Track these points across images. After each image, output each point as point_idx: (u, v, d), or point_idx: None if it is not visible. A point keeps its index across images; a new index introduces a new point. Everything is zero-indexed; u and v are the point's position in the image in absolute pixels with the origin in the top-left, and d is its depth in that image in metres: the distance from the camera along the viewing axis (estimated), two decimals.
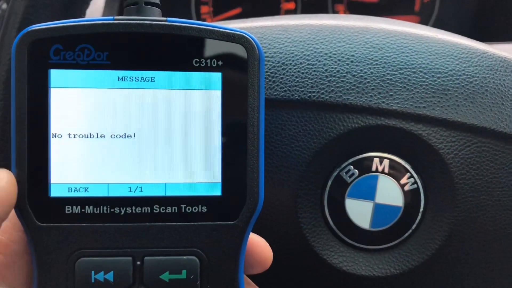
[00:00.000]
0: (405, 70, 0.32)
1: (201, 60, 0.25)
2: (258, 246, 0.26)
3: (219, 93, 0.25)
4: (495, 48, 0.34)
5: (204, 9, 0.75)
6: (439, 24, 0.75)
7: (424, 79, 0.32)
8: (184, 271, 0.24)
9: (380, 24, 0.34)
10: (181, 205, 0.24)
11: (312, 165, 0.31)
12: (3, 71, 0.34)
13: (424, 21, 0.75)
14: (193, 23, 0.25)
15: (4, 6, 0.60)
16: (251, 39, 0.25)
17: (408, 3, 0.76)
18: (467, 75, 0.32)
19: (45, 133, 0.24)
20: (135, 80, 0.24)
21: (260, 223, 0.28)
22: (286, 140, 0.31)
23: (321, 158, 0.31)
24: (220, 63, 0.25)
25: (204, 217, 0.25)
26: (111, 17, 0.25)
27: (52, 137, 0.24)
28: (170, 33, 0.24)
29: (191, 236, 0.24)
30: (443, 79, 0.32)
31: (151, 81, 0.24)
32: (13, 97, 0.24)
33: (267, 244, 0.27)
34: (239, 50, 0.25)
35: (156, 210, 0.24)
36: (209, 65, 0.25)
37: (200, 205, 0.25)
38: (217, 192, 0.25)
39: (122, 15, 0.25)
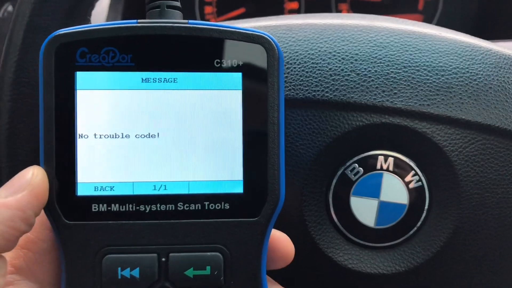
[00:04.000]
0: (409, 68, 0.32)
1: (222, 60, 0.25)
2: (281, 242, 0.27)
3: (239, 93, 0.25)
4: (498, 45, 0.34)
5: (208, 9, 0.76)
6: (443, 23, 0.75)
7: (428, 77, 0.32)
8: (208, 267, 0.25)
9: (384, 22, 0.34)
10: (204, 203, 0.25)
11: (317, 163, 0.32)
12: (10, 73, 0.34)
13: (428, 20, 0.75)
14: (213, 24, 0.26)
15: (10, 8, 0.60)
16: (270, 40, 0.25)
17: (412, 2, 0.76)
18: (471, 72, 0.32)
19: (72, 133, 0.25)
20: (158, 81, 0.25)
21: None
22: (291, 138, 0.32)
23: (326, 156, 0.32)
24: (240, 63, 0.25)
25: (227, 214, 0.25)
26: (135, 20, 0.25)
27: (79, 137, 0.25)
28: (191, 35, 0.25)
29: (214, 233, 0.25)
30: (447, 77, 0.32)
31: (174, 82, 0.25)
32: (41, 99, 0.25)
33: (289, 239, 0.27)
34: (258, 50, 0.25)
35: (180, 207, 0.25)
36: (229, 65, 0.25)
37: (222, 202, 0.25)
38: (239, 189, 0.25)
39: (126, 17, 0.26)
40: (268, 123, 0.25)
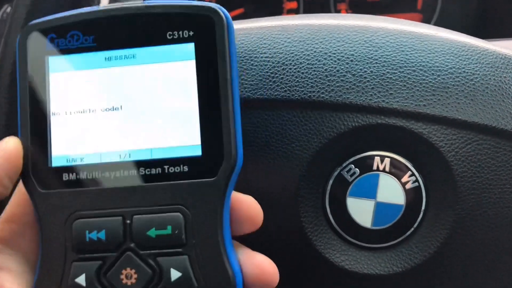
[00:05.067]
0: (405, 68, 0.32)
1: (174, 33, 0.27)
2: (245, 203, 0.27)
3: (193, 63, 0.27)
4: (495, 45, 0.34)
5: None
6: (442, 22, 0.75)
7: (424, 77, 0.32)
8: (169, 227, 0.26)
9: (380, 23, 0.34)
10: (165, 166, 0.27)
11: (313, 164, 0.31)
12: (7, 75, 0.34)
13: (427, 19, 0.75)
14: (166, 2, 0.27)
15: (9, 9, 0.60)
16: (218, 9, 0.27)
17: (411, 1, 0.75)
18: (468, 72, 0.32)
19: (45, 112, 0.27)
20: (119, 59, 0.27)
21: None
22: (287, 140, 0.32)
23: (322, 157, 0.31)
24: (191, 33, 0.27)
25: (186, 176, 0.26)
26: (97, 6, 0.28)
27: (52, 115, 0.27)
28: (143, 13, 0.27)
29: (175, 194, 0.26)
30: (443, 77, 0.32)
31: (133, 58, 0.27)
32: (18, 82, 0.27)
33: (255, 202, 0.27)
34: (207, 20, 0.27)
35: (142, 172, 0.27)
36: (181, 37, 0.27)
37: (181, 165, 0.27)
38: (197, 153, 0.27)
39: None
40: (220, 89, 0.26)
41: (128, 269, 0.26)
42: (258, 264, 0.27)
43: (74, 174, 0.27)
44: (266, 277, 0.27)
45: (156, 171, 0.26)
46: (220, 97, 0.26)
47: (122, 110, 0.27)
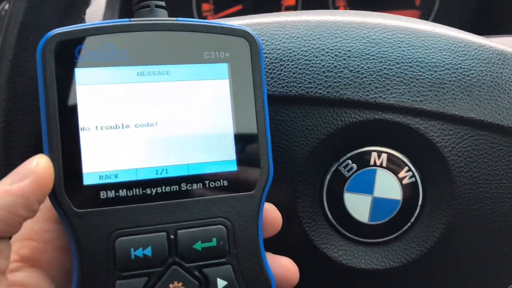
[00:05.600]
0: (402, 64, 0.32)
1: (210, 53, 0.28)
2: (269, 211, 0.29)
3: (227, 82, 0.28)
4: (492, 41, 0.34)
5: (205, 6, 0.75)
6: (440, 18, 0.75)
7: (421, 73, 0.32)
8: (214, 239, 0.27)
9: (377, 19, 0.34)
10: (205, 181, 0.27)
11: (311, 160, 0.32)
12: (5, 72, 0.34)
13: (425, 15, 0.75)
14: (200, 21, 0.28)
15: (8, 6, 0.60)
16: (251, 33, 0.28)
17: None
18: (464, 68, 0.32)
19: (75, 127, 0.26)
20: (153, 74, 0.27)
21: None
22: (285, 135, 0.32)
23: (319, 153, 0.32)
24: (227, 54, 0.28)
25: (225, 190, 0.27)
26: (127, 19, 0.27)
27: (81, 130, 0.26)
28: (181, 31, 0.27)
29: (216, 208, 0.27)
30: (440, 72, 0.32)
31: (167, 74, 0.27)
32: (42, 95, 0.26)
33: (276, 209, 0.29)
34: (242, 43, 0.28)
35: (183, 187, 0.27)
36: (217, 57, 0.28)
37: (221, 180, 0.28)
38: (233, 167, 0.28)
39: (124, 15, 0.27)
40: (256, 107, 0.28)
41: (176, 283, 0.26)
42: (284, 266, 0.29)
43: (113, 191, 0.26)
44: (292, 277, 0.29)
45: (196, 186, 0.27)
46: (256, 115, 0.28)
47: (157, 125, 0.27)
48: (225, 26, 0.28)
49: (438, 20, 0.75)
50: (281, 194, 0.32)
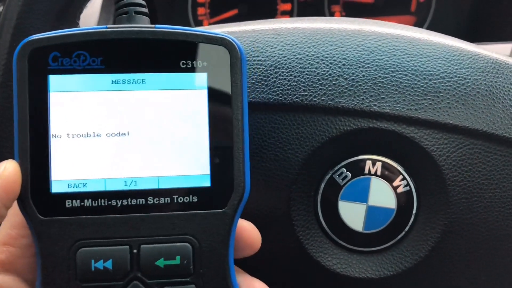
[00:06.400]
0: (396, 72, 0.32)
1: (188, 62, 0.27)
2: (246, 230, 0.28)
3: (205, 92, 0.27)
4: (486, 49, 0.34)
5: (201, 10, 0.75)
6: (435, 24, 0.75)
7: (415, 82, 0.32)
8: (178, 257, 0.26)
9: (372, 27, 0.34)
10: (173, 196, 0.26)
11: (305, 168, 0.32)
12: None
13: (420, 21, 0.76)
14: (179, 28, 0.27)
15: (1, 9, 0.60)
16: (232, 41, 0.27)
17: (404, 3, 0.76)
18: (459, 77, 0.32)
19: (46, 134, 0.26)
20: (128, 83, 0.26)
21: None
22: (279, 143, 0.32)
23: (314, 161, 0.32)
24: (205, 64, 0.27)
25: (195, 207, 0.26)
26: (105, 26, 0.27)
27: (52, 137, 0.26)
28: (158, 38, 0.26)
29: (183, 224, 0.26)
30: (434, 81, 0.32)
31: (142, 82, 0.26)
32: (15, 100, 0.26)
33: (255, 228, 0.28)
34: (222, 51, 0.27)
35: (150, 201, 0.26)
36: (195, 66, 0.27)
37: (191, 196, 0.26)
38: (207, 183, 0.26)
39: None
40: (233, 120, 0.27)
41: None
42: None
43: (78, 201, 0.26)
44: None
45: (164, 200, 0.26)
46: (233, 128, 0.26)
47: (129, 135, 0.26)
48: (204, 34, 0.27)
49: (433, 26, 0.75)
50: (275, 202, 0.32)
